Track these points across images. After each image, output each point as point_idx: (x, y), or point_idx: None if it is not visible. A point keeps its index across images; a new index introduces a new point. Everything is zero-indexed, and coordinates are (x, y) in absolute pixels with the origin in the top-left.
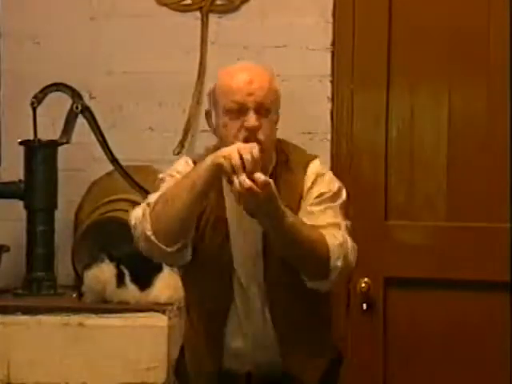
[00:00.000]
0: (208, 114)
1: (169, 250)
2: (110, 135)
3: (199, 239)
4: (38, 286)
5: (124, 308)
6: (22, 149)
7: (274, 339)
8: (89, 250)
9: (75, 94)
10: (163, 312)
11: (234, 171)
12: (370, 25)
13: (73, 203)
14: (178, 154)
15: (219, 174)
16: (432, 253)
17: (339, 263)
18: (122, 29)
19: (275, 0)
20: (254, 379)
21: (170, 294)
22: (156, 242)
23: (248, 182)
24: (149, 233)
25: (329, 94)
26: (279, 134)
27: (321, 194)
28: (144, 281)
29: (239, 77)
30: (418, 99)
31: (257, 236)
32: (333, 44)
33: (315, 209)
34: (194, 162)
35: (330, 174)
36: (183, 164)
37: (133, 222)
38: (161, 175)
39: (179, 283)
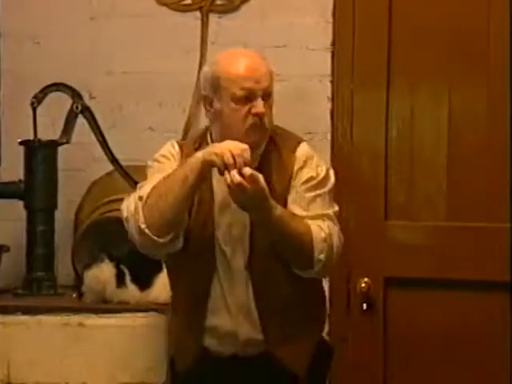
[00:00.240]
0: (207, 99)
1: (161, 241)
2: (110, 135)
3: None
4: (38, 286)
5: (124, 308)
6: (21, 149)
7: (257, 316)
8: (89, 250)
9: (75, 94)
10: (163, 312)
11: (226, 167)
12: (370, 25)
13: (73, 203)
14: None
15: (210, 169)
16: (432, 253)
17: (322, 257)
18: (122, 29)
19: (275, 0)
20: (239, 364)
21: (169, 294)
22: (150, 234)
23: (238, 178)
24: (143, 226)
25: (329, 93)
26: None
27: (311, 178)
28: (144, 281)
29: (245, 64)
30: (418, 99)
31: (244, 218)
32: (333, 44)
33: (305, 195)
34: (181, 147)
35: (317, 157)
36: (169, 148)
37: (125, 214)
38: (149, 162)
39: None
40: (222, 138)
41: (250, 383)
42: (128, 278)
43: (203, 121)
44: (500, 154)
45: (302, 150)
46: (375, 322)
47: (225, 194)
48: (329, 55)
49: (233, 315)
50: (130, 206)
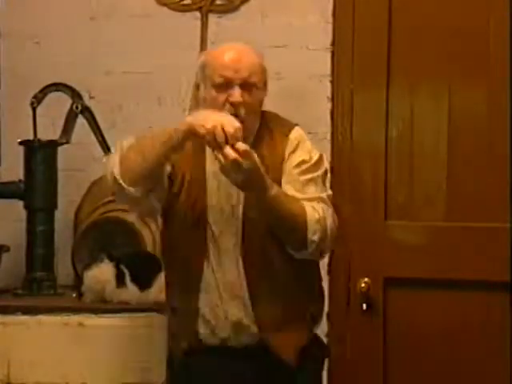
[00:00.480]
0: (196, 87)
1: (132, 190)
2: (110, 135)
3: (176, 195)
4: (38, 286)
5: (124, 308)
6: (21, 149)
7: (248, 296)
8: (89, 250)
9: (75, 94)
10: (163, 312)
11: (218, 145)
12: (370, 25)
13: (73, 203)
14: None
15: (195, 138)
16: (432, 253)
17: (316, 238)
18: (122, 29)
19: (275, 0)
20: (231, 354)
21: None
22: (121, 182)
23: (232, 154)
24: (116, 171)
25: (329, 93)
26: None
27: (303, 162)
28: (144, 281)
29: (228, 54)
30: (417, 99)
31: (237, 198)
32: (333, 44)
33: (299, 178)
34: None
35: (309, 142)
36: None
37: (104, 160)
38: None
39: None
40: None
41: (243, 374)
42: (128, 278)
43: None
44: (500, 154)
45: (296, 133)
46: (375, 322)
47: (218, 173)
48: (329, 55)
49: (223, 296)
50: (112, 155)
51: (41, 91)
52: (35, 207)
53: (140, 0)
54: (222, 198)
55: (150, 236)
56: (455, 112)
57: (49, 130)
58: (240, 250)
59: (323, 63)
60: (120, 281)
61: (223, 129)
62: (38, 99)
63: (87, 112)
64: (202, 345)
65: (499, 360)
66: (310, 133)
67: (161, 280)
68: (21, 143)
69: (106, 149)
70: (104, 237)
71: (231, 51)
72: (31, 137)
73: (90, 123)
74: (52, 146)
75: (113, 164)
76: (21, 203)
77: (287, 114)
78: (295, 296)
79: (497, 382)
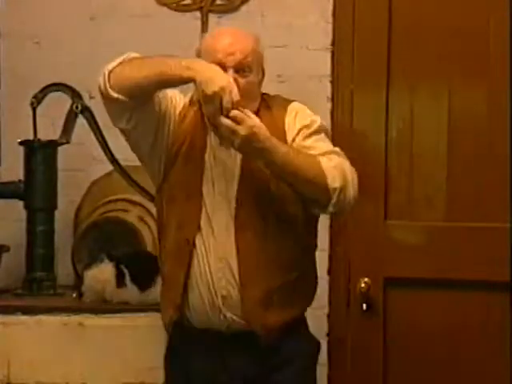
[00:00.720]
0: None
1: (115, 95)
2: (110, 135)
3: (172, 164)
4: (38, 286)
5: (124, 308)
6: (21, 149)
7: (237, 270)
8: (89, 250)
9: (75, 94)
10: None
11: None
12: (370, 25)
13: (73, 203)
14: None
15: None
16: (432, 253)
17: (337, 185)
18: (122, 29)
19: (275, 0)
20: (219, 338)
21: None
22: (106, 80)
23: (228, 121)
24: (106, 72)
25: (329, 93)
26: None
27: (305, 126)
28: (144, 281)
29: (223, 38)
30: (417, 99)
31: (232, 172)
32: (333, 44)
33: (306, 143)
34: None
35: (309, 111)
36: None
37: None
38: None
39: None
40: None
41: (229, 358)
42: (128, 278)
43: None
44: (500, 154)
45: (293, 105)
46: (375, 322)
47: (217, 147)
48: (329, 55)
49: (213, 269)
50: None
51: (41, 91)
52: (35, 207)
53: (140, 0)
54: (219, 172)
55: (150, 236)
56: (455, 112)
57: (49, 130)
58: (234, 225)
59: (323, 63)
60: (120, 281)
61: (228, 94)
62: (37, 99)
63: (87, 112)
64: (190, 329)
65: (499, 360)
66: None
67: (161, 280)
68: (21, 143)
69: (106, 149)
70: (104, 237)
71: (224, 35)
72: (31, 137)
73: (89, 123)
74: (52, 145)
75: (110, 65)
76: (21, 203)
77: None
78: (285, 273)
79: (497, 382)
